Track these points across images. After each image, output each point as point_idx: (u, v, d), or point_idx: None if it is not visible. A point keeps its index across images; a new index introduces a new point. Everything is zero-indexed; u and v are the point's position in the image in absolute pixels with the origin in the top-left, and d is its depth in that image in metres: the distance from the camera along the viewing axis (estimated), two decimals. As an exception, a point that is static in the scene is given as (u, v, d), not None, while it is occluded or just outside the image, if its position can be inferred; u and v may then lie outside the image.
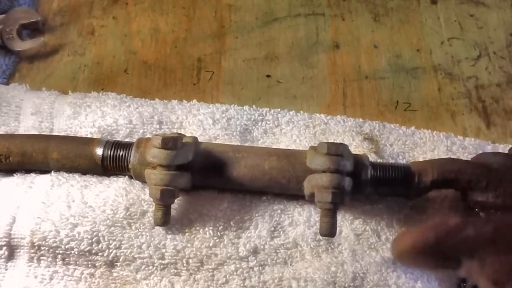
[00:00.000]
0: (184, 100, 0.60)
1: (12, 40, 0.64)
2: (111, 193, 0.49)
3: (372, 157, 0.54)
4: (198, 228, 0.48)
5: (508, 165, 0.48)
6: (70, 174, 0.51)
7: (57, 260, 0.46)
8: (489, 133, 0.61)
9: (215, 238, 0.48)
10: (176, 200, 0.49)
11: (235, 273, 0.47)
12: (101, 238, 0.46)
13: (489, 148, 0.57)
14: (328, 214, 0.46)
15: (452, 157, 0.54)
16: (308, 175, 0.48)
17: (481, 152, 0.54)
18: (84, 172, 0.51)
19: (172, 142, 0.47)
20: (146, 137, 0.53)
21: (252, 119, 0.58)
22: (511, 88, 0.65)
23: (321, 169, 0.46)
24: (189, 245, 0.47)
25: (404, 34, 0.70)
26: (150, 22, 0.70)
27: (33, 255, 0.46)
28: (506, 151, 0.54)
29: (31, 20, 0.66)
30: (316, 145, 0.49)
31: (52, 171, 0.51)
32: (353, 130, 0.57)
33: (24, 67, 0.65)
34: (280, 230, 0.49)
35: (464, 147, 0.56)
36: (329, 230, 0.46)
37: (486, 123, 0.62)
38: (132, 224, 0.48)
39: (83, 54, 0.67)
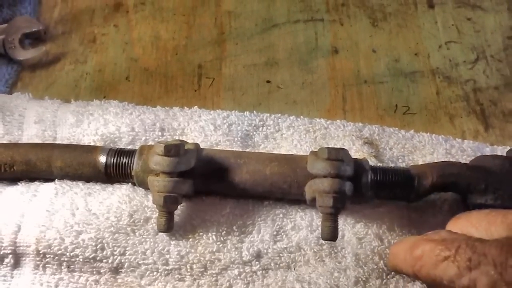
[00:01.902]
0: (185, 107, 0.60)
1: (14, 49, 0.65)
2: (114, 200, 0.50)
3: (372, 161, 0.55)
4: (201, 233, 0.49)
5: (506, 168, 0.48)
6: (74, 182, 0.51)
7: (62, 267, 0.47)
8: (487, 136, 0.62)
9: (218, 243, 0.48)
10: (179, 207, 0.49)
11: (238, 277, 0.47)
12: (105, 245, 0.47)
13: (487, 150, 0.57)
14: (330, 218, 0.46)
15: (451, 160, 0.55)
16: (309, 180, 0.48)
17: (479, 154, 0.55)
18: (87, 179, 0.52)
19: (174, 149, 0.47)
20: (149, 144, 0.54)
21: (253, 125, 0.58)
22: (509, 90, 0.66)
23: (322, 174, 0.47)
24: (192, 250, 0.48)
25: (402, 39, 0.71)
26: (151, 30, 0.71)
27: (38, 262, 0.47)
28: (504, 154, 0.54)
29: (33, 29, 0.67)
30: (316, 149, 0.49)
31: (56, 179, 0.51)
32: (353, 135, 0.58)
33: (27, 76, 0.65)
34: (282, 234, 0.50)
35: (463, 149, 0.57)
36: (331, 234, 0.46)
37: (484, 125, 0.63)
38: (136, 230, 0.48)
39: (85, 62, 0.67)
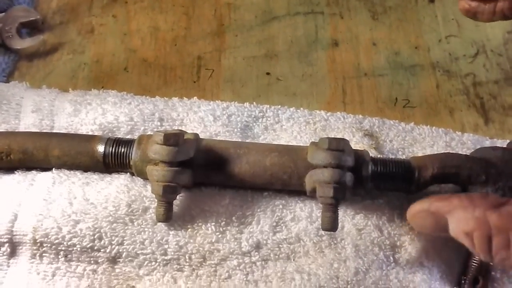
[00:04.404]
0: (184, 98, 0.60)
1: (11, 39, 0.64)
2: (112, 190, 0.49)
3: (372, 153, 0.54)
4: (200, 224, 0.48)
5: (506, 159, 0.48)
6: (72, 171, 0.51)
7: (60, 256, 0.46)
8: (487, 129, 0.62)
9: (217, 233, 0.48)
10: (178, 197, 0.49)
11: (237, 268, 0.47)
12: (103, 234, 0.46)
13: (487, 143, 0.57)
14: (330, 209, 0.46)
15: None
16: (310, 171, 0.48)
17: (479, 147, 0.55)
18: (85, 169, 0.51)
19: (174, 139, 0.47)
20: (148, 134, 0.53)
21: (253, 116, 0.58)
22: (509, 84, 0.66)
23: (323, 164, 0.46)
24: (191, 241, 0.47)
25: (402, 32, 0.71)
26: (150, 21, 0.70)
27: (35, 252, 0.46)
28: (504, 146, 0.54)
29: (30, 19, 0.66)
30: (317, 141, 0.49)
31: (54, 169, 0.51)
32: (353, 127, 0.58)
33: (24, 66, 0.65)
34: (282, 225, 0.49)
35: (463, 142, 0.57)
36: (331, 225, 0.46)
37: (484, 119, 0.63)
38: (134, 220, 0.48)
39: (83, 52, 0.67)
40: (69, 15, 0.70)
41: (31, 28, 0.67)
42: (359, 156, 0.49)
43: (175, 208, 0.49)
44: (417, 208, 0.42)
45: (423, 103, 0.64)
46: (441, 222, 0.40)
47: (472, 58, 0.68)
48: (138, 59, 0.66)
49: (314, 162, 0.47)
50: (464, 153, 0.54)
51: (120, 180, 0.50)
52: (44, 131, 0.54)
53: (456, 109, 0.64)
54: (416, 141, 0.57)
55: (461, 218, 0.38)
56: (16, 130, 0.54)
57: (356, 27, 0.71)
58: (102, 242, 0.46)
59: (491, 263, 0.37)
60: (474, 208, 0.37)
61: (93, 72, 0.65)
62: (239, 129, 0.56)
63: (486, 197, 0.39)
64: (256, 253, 0.48)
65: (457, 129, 0.60)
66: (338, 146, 0.46)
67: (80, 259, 0.46)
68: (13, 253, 0.46)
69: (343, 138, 0.48)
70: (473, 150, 0.53)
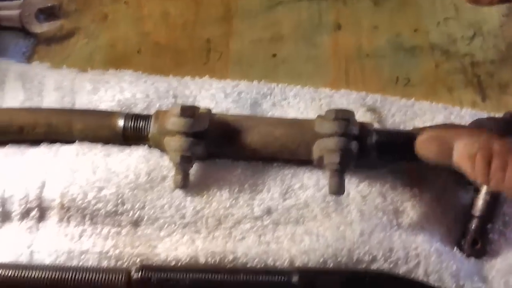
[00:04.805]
0: (196, 77, 0.63)
1: (30, 24, 0.67)
2: (132, 161, 0.52)
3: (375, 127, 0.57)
4: (215, 191, 0.52)
5: (502, 128, 0.52)
6: (93, 144, 0.54)
7: (86, 220, 0.49)
8: (484, 106, 0.65)
9: (231, 199, 0.51)
10: (194, 167, 0.52)
11: (251, 230, 0.50)
12: (125, 200, 0.50)
13: (484, 116, 0.61)
14: (336, 174, 0.49)
15: (449, 124, 0.58)
16: (317, 140, 0.51)
17: (477, 119, 0.58)
18: (105, 142, 0.54)
19: (190, 111, 0.50)
20: (164, 109, 0.57)
21: (261, 93, 0.61)
22: (505, 64, 0.69)
23: (329, 133, 0.50)
24: (207, 206, 0.51)
25: (403, 16, 0.74)
26: (160, 7, 0.73)
27: (62, 216, 0.49)
28: (500, 119, 0.57)
29: (48, 5, 0.69)
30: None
31: (76, 141, 0.54)
32: (356, 103, 0.61)
33: (43, 49, 0.68)
34: (291, 192, 0.53)
35: (461, 116, 0.60)
36: (338, 189, 0.49)
37: (482, 96, 0.66)
38: (154, 187, 0.51)
39: (98, 37, 0.70)
40: (84, 2, 0.73)
41: (48, 14, 0.70)
42: (364, 127, 0.52)
43: (191, 178, 0.52)
44: (426, 134, 0.46)
45: (423, 82, 0.67)
46: (446, 147, 0.43)
47: (469, 39, 0.71)
48: (151, 42, 0.69)
49: (321, 131, 0.50)
50: (462, 125, 0.57)
51: (138, 152, 0.54)
52: (66, 107, 0.57)
53: (455, 87, 0.67)
54: (417, 115, 0.60)
55: (467, 143, 0.41)
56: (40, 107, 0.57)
57: (358, 12, 0.74)
58: (125, 207, 0.49)
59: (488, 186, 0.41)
60: (479, 135, 0.41)
61: (108, 55, 0.68)
62: (249, 105, 0.59)
63: (491, 131, 0.44)
64: (268, 217, 0.51)
65: (456, 106, 0.63)
66: (343, 116, 0.50)
67: (104, 222, 0.49)
68: (42, 217, 0.49)
69: (348, 110, 0.51)
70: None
